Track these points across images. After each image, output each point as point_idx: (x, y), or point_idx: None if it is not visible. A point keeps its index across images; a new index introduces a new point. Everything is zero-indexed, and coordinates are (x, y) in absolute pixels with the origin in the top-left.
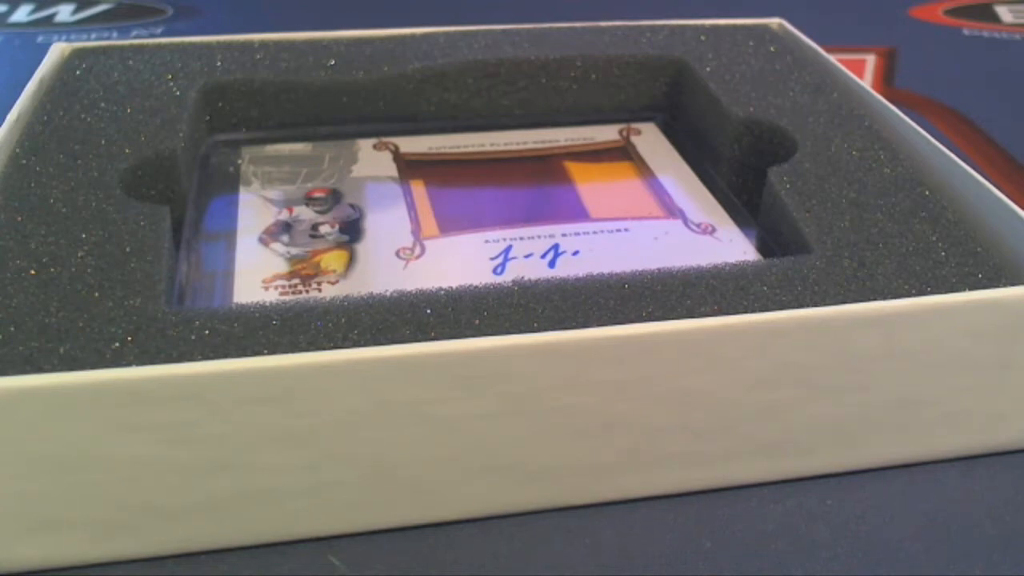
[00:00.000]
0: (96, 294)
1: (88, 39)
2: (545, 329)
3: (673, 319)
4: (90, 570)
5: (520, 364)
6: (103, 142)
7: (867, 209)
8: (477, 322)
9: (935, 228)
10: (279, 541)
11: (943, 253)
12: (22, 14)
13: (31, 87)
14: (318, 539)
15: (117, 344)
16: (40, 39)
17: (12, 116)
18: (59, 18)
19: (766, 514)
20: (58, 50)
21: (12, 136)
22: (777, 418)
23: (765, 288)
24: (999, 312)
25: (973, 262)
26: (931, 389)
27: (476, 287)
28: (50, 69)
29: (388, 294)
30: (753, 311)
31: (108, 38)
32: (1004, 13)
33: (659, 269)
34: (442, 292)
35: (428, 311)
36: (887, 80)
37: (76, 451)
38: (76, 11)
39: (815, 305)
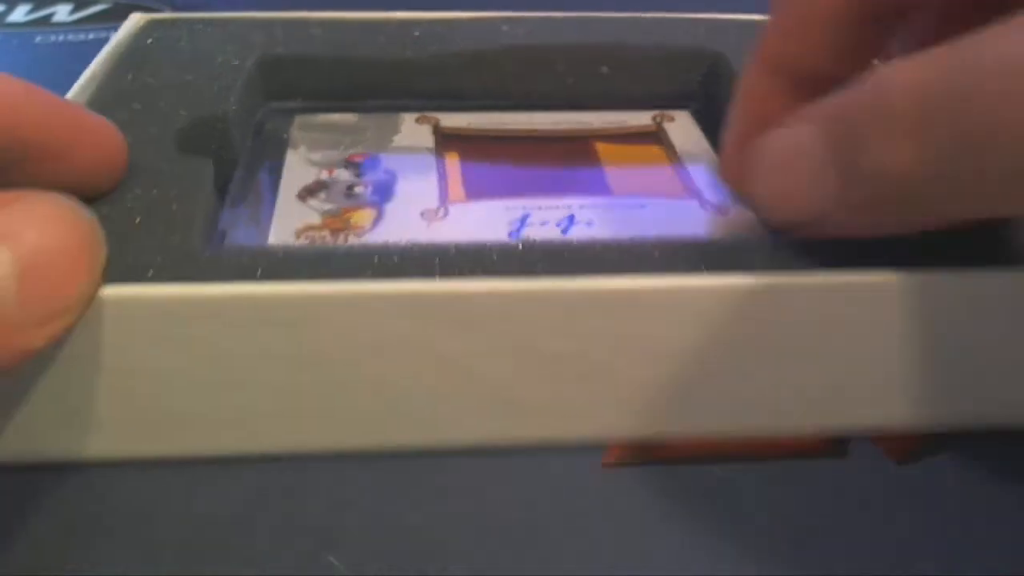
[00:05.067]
0: (140, 232)
1: (86, 38)
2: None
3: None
4: (112, 467)
5: (513, 307)
6: (161, 104)
7: None
8: (480, 271)
9: None
10: (288, 454)
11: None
12: (19, 14)
13: (106, 51)
14: (326, 456)
15: (152, 271)
16: (38, 39)
17: (87, 75)
18: (57, 18)
19: None
20: (134, 19)
21: (83, 95)
22: (752, 377)
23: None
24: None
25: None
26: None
27: (483, 242)
28: (125, 36)
29: (401, 243)
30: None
31: (107, 38)
32: None
33: (658, 236)
34: (451, 245)
35: (436, 260)
36: None
37: (110, 359)
38: (74, 11)
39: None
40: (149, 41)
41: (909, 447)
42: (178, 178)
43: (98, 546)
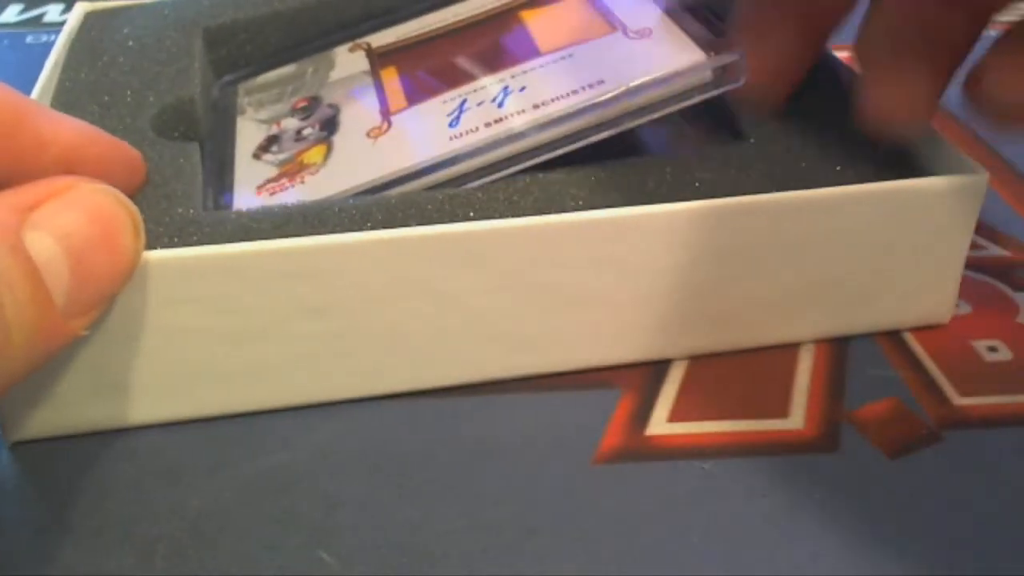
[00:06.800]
0: (146, 207)
1: None
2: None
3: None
4: (144, 431)
5: (507, 244)
6: (129, 93)
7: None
8: (472, 214)
9: None
10: (311, 403)
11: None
12: (11, 14)
13: (58, 47)
14: (343, 401)
15: (166, 239)
16: (29, 39)
17: (45, 74)
18: (48, 18)
19: None
20: (78, 13)
21: (47, 93)
22: (727, 294)
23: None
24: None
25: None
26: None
27: (470, 188)
28: (71, 30)
29: (394, 194)
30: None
31: None
32: (1003, 13)
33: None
34: (438, 193)
35: (429, 207)
36: None
37: (136, 321)
38: (65, 11)
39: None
40: (93, 33)
41: (901, 441)
42: (167, 163)
43: (80, 540)
